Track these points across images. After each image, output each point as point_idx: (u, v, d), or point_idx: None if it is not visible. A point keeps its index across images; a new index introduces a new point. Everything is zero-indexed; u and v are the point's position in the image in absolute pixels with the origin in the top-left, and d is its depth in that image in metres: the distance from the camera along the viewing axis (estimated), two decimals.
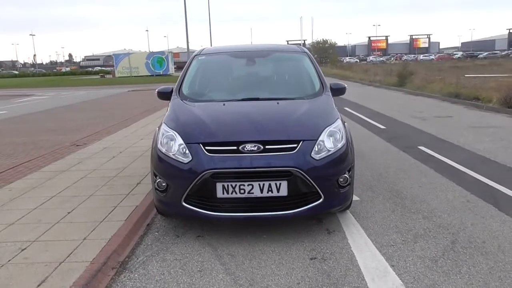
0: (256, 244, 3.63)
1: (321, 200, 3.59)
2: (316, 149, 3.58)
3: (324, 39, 63.40)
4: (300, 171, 3.47)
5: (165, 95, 4.81)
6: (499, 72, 27.49)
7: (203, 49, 5.42)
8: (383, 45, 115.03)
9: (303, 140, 3.59)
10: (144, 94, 22.27)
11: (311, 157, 3.54)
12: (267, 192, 3.46)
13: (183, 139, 3.68)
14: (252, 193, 3.46)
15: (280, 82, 4.91)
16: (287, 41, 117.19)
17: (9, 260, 3.30)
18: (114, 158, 6.92)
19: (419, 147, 7.38)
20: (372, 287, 2.91)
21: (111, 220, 4.14)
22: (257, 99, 4.33)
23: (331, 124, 3.83)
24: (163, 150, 3.75)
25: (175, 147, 3.69)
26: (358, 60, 69.20)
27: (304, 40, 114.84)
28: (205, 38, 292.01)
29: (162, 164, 3.74)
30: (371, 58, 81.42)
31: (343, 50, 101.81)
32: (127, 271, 3.23)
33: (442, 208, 4.39)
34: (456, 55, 78.66)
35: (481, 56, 71.34)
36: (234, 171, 3.46)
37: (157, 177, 3.78)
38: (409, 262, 3.25)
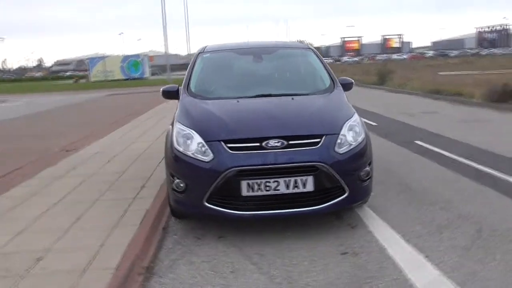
0: (282, 242, 3.55)
1: (345, 194, 3.54)
2: (339, 143, 3.54)
3: (300, 40, 63.76)
4: (326, 165, 3.42)
5: (170, 94, 4.69)
6: (471, 70, 28.24)
7: (206, 46, 5.31)
8: (356, 45, 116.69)
9: (326, 135, 3.53)
10: (123, 98, 21.91)
11: (335, 151, 3.49)
12: (293, 188, 3.39)
13: (202, 137, 3.57)
14: (278, 189, 3.38)
15: (290, 78, 4.86)
16: None
17: (28, 271, 3.11)
18: (110, 163, 6.71)
19: (416, 141, 7.45)
20: (413, 279, 2.87)
21: (125, 225, 3.98)
22: (270, 95, 4.25)
23: (350, 118, 3.80)
24: (181, 149, 3.63)
25: (193, 145, 3.58)
26: (333, 61, 69.97)
27: None
28: (180, 41, 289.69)
29: (180, 164, 3.62)
30: (345, 58, 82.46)
31: (318, 51, 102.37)
32: (155, 276, 3.10)
33: (456, 199, 4.42)
34: (427, 54, 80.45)
35: (452, 54, 73.21)
36: (259, 168, 3.37)
37: (175, 178, 3.66)
38: (441, 252, 3.23)
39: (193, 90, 4.43)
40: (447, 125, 9.06)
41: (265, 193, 3.39)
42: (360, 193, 3.66)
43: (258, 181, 3.37)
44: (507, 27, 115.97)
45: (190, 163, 3.54)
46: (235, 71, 4.93)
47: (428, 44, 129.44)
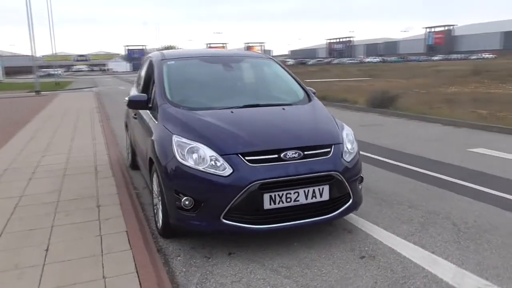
0: (296, 252, 3.57)
1: (350, 201, 3.71)
2: (344, 152, 3.69)
3: (171, 45, 62.98)
4: (339, 174, 3.54)
5: (138, 104, 4.35)
6: (330, 77, 31.33)
7: (163, 53, 5.01)
8: None
9: (334, 144, 3.66)
10: None
11: (343, 159, 3.64)
12: (311, 198, 3.44)
13: (215, 151, 3.39)
14: (298, 200, 3.40)
15: (266, 87, 4.86)
16: (126, 47, 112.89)
17: None
18: (33, 181, 5.86)
19: None
20: (438, 274, 3.15)
21: (113, 251, 3.56)
22: (258, 105, 4.21)
23: (344, 128, 3.99)
24: (189, 164, 3.40)
25: (203, 160, 3.39)
26: None
27: (144, 46, 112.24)
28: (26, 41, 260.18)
29: (189, 180, 3.39)
30: None
31: None
32: None
33: (416, 198, 4.92)
34: (288, 62, 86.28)
35: (310, 63, 79.77)
36: (281, 180, 3.34)
37: (181, 195, 3.41)
38: (441, 248, 3.60)
39: (174, 100, 4.15)
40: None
41: (286, 204, 3.37)
42: (359, 198, 3.86)
43: (280, 193, 3.34)
44: (352, 39, 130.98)
45: (203, 178, 3.33)
46: (210, 80, 4.75)
47: (287, 52, 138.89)
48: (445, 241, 3.73)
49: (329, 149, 3.60)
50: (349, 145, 3.80)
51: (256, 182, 3.27)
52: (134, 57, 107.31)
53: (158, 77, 4.44)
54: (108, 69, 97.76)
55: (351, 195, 3.69)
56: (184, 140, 3.54)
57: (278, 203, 3.34)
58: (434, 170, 6.08)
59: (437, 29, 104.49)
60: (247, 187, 3.26)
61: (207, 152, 3.41)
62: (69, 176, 6.01)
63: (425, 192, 5.12)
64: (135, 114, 5.06)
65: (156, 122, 4.03)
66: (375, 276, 3.16)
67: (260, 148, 3.42)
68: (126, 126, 6.67)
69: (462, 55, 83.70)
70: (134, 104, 4.39)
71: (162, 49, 61.72)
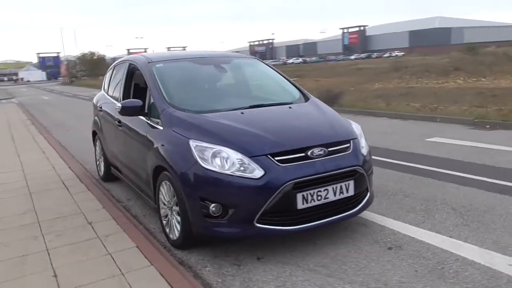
0: (323, 250, 3.55)
1: (368, 194, 3.77)
2: (361, 146, 3.75)
3: (91, 51, 60.03)
4: (361, 168, 3.59)
5: (133, 111, 4.09)
6: None
7: (146, 56, 4.75)
8: None
9: (352, 139, 3.70)
10: None
11: (362, 154, 3.69)
12: (339, 194, 3.45)
13: (242, 153, 3.27)
14: (328, 198, 3.39)
15: (262, 86, 4.78)
16: (39, 54, 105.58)
17: None
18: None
19: None
20: (468, 257, 3.29)
21: (133, 269, 3.30)
22: (262, 105, 4.13)
23: (351, 123, 4.04)
24: (214, 169, 3.24)
25: (229, 163, 3.25)
26: None
27: (59, 53, 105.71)
28: None
29: (217, 185, 3.23)
30: None
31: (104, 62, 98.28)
32: None
33: (406, 187, 5.12)
34: None
35: None
36: (313, 178, 3.30)
37: (208, 202, 3.25)
38: (455, 232, 3.77)
39: (173, 103, 3.94)
40: None
41: (317, 203, 3.34)
42: (372, 192, 3.93)
43: (311, 191, 3.30)
44: (273, 40, 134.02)
45: (232, 182, 3.20)
46: (206, 81, 4.57)
47: None
48: (455, 225, 3.92)
49: (348, 145, 3.63)
50: (362, 140, 3.86)
51: (289, 182, 3.20)
52: (49, 65, 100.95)
53: (151, 81, 4.19)
54: (20, 79, 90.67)
55: (369, 188, 3.75)
56: (204, 144, 3.36)
57: (310, 202, 3.30)
58: (407, 160, 6.38)
59: (351, 30, 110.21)
60: (281, 187, 3.18)
61: (232, 155, 3.27)
62: (36, 193, 5.49)
63: (411, 181, 5.34)
64: (119, 122, 4.73)
65: (161, 128, 3.80)
66: (412, 264, 3.23)
67: (287, 148, 3.35)
68: (94, 136, 6.22)
69: (376, 53, 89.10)
70: (128, 110, 4.10)
71: (80, 56, 58.24)
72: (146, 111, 4.12)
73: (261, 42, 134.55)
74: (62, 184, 5.89)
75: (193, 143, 3.40)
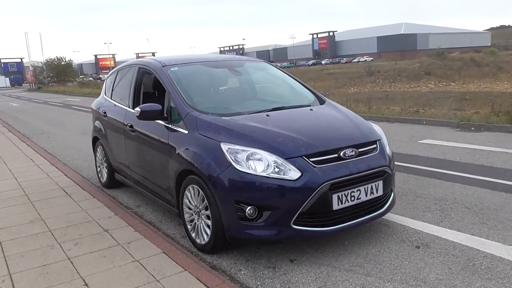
0: (354, 250, 3.59)
1: (392, 194, 3.85)
2: (386, 146, 3.82)
3: (59, 57, 58.39)
4: (389, 168, 3.66)
5: (152, 115, 4.04)
6: None
7: (158, 60, 4.69)
8: (111, 63, 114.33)
9: (378, 140, 3.76)
10: None
11: (387, 154, 3.76)
12: (370, 195, 3.50)
13: (277, 155, 3.28)
14: (360, 198, 3.43)
15: (278, 89, 4.79)
16: (1, 60, 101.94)
17: None
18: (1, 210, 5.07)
19: None
20: (494, 253, 3.40)
21: (168, 275, 3.25)
22: (283, 107, 4.15)
23: (372, 124, 4.12)
24: (250, 171, 3.24)
25: (264, 165, 3.26)
26: (92, 79, 66.80)
27: (21, 58, 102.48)
28: None
29: (253, 188, 3.23)
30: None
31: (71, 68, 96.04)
32: None
33: (414, 188, 5.24)
34: None
35: None
36: (347, 179, 3.35)
37: (244, 205, 3.24)
38: (475, 229, 3.89)
39: (196, 107, 3.91)
40: None
41: (350, 203, 3.38)
42: (395, 192, 4.01)
43: (346, 192, 3.34)
44: (243, 46, 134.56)
45: (269, 184, 3.20)
46: (223, 84, 4.55)
47: None
48: (473, 223, 4.04)
49: (375, 146, 3.69)
50: (385, 140, 3.93)
51: (326, 183, 3.23)
52: (12, 71, 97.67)
53: (169, 85, 4.14)
54: None
55: (393, 188, 3.82)
56: (237, 147, 3.35)
57: (344, 203, 3.34)
58: (407, 161, 6.54)
59: (320, 35, 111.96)
60: (318, 189, 3.20)
61: (267, 157, 3.27)
62: (38, 202, 5.31)
63: (418, 182, 5.47)
64: (131, 127, 4.64)
65: (185, 132, 3.76)
66: (444, 262, 3.31)
67: (321, 149, 3.38)
68: (95, 142, 6.07)
69: (345, 58, 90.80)
70: (147, 114, 4.04)
71: (47, 62, 56.46)
72: (165, 115, 4.06)
73: (231, 48, 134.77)
74: (63, 191, 5.72)
75: (224, 146, 3.38)
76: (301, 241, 3.67)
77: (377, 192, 3.54)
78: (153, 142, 4.24)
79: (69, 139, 10.90)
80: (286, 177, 3.20)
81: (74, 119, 16.28)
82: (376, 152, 3.66)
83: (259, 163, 3.27)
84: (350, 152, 3.45)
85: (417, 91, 23.42)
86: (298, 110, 4.11)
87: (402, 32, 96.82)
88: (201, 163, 3.48)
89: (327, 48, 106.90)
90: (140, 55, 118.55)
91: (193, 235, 3.76)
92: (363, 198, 3.45)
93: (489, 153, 6.91)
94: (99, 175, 6.10)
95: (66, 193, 5.64)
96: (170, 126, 3.99)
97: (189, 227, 3.82)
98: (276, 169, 3.23)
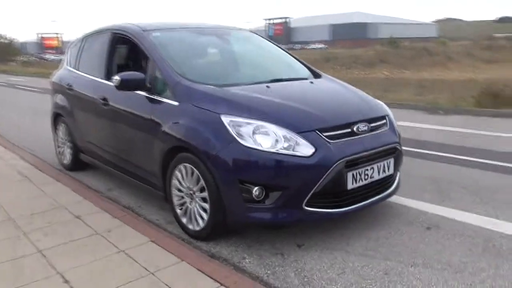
0: (363, 234, 3.32)
1: (399, 173, 3.61)
2: (394, 122, 3.56)
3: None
4: (399, 145, 3.40)
5: (133, 84, 3.55)
6: None
7: (138, 24, 4.15)
8: (56, 43, 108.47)
9: (387, 115, 3.49)
10: None
11: (396, 130, 3.51)
12: (382, 173, 3.23)
13: (288, 128, 2.91)
14: (373, 177, 3.15)
15: (272, 60, 4.39)
16: None
17: None
18: None
19: None
20: (508, 232, 3.24)
21: (163, 267, 2.83)
22: (281, 80, 3.78)
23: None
24: (257, 147, 2.85)
25: (272, 140, 2.88)
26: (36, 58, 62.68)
27: None
28: None
29: (261, 166, 2.85)
30: (52, 57, 75.20)
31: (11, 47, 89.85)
32: None
33: (405, 168, 4.97)
34: None
35: None
36: (362, 156, 3.04)
37: (251, 185, 2.86)
38: (479, 208, 3.73)
39: (186, 76, 3.46)
40: None
41: (364, 182, 3.09)
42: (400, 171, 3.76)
43: (360, 170, 3.04)
44: None
45: (279, 161, 2.83)
46: (213, 53, 4.09)
47: None
48: (476, 203, 3.89)
49: (385, 121, 3.42)
50: (392, 116, 3.67)
51: (342, 160, 2.91)
52: None
53: (153, 51, 3.64)
54: None
55: (399, 167, 3.58)
56: (240, 119, 2.95)
57: (358, 182, 3.04)
58: None
59: (275, 21, 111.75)
60: (334, 166, 2.87)
61: (276, 131, 2.90)
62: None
63: (407, 163, 5.29)
64: (105, 100, 4.10)
65: (175, 104, 3.30)
66: (461, 243, 3.11)
67: (334, 123, 3.05)
68: (56, 119, 5.42)
69: (300, 45, 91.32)
70: (128, 84, 3.54)
71: None
72: (148, 85, 3.58)
73: None
74: (20, 175, 5.07)
75: (226, 119, 2.96)
76: (306, 224, 3.34)
77: (388, 171, 3.28)
78: (132, 117, 3.74)
79: (20, 120, 9.95)
80: (298, 153, 2.85)
81: (22, 99, 15.06)
82: (387, 128, 3.38)
83: (267, 138, 2.89)
84: (363, 127, 3.14)
85: (375, 78, 23.72)
86: (299, 83, 3.76)
87: (354, 21, 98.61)
88: (197, 138, 3.05)
89: (282, 34, 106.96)
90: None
91: (184, 220, 3.34)
92: (376, 176, 3.17)
93: (466, 134, 6.91)
94: (61, 157, 5.47)
95: (25, 177, 4.99)
96: (154, 97, 3.51)
97: (178, 211, 3.38)
98: (286, 145, 2.86)
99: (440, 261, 2.85)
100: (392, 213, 3.69)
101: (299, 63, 4.35)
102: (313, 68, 4.30)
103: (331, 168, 2.86)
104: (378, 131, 3.27)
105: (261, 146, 2.85)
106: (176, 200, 3.39)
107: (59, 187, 4.57)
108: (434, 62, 33.20)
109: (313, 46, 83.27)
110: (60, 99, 5.18)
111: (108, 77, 4.19)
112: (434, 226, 3.40)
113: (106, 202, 4.09)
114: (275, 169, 2.83)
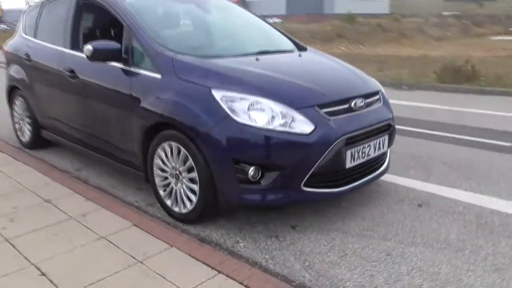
0: (357, 213, 3.23)
1: (389, 151, 3.53)
2: (387, 98, 3.46)
3: None
4: (393, 121, 3.31)
5: (106, 55, 3.22)
6: None
7: None
8: None
9: (380, 90, 3.37)
10: None
11: (389, 106, 3.41)
12: (377, 150, 3.12)
13: (285, 104, 2.72)
14: (369, 154, 3.04)
15: (256, 32, 4.12)
16: None
17: None
18: None
19: None
20: (500, 209, 3.25)
21: (152, 254, 2.61)
22: (268, 52, 3.55)
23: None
24: (253, 124, 2.65)
25: (268, 116, 2.69)
26: None
27: None
28: None
29: (257, 144, 2.66)
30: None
31: None
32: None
33: None
34: None
35: None
36: (361, 133, 2.91)
37: (245, 165, 2.67)
38: (464, 185, 3.74)
39: (168, 47, 3.16)
40: None
41: (361, 160, 2.97)
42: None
43: (358, 147, 2.92)
44: None
45: (277, 139, 2.65)
46: (193, 22, 3.78)
47: None
48: (459, 179, 3.90)
49: (378, 96, 3.29)
50: (384, 92, 3.56)
51: (342, 137, 2.76)
52: None
53: (128, 18, 3.30)
54: None
55: (392, 144, 3.49)
56: (234, 94, 2.72)
57: (356, 160, 2.92)
58: None
59: None
60: (334, 144, 2.72)
61: (273, 106, 2.70)
62: None
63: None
64: (72, 73, 3.72)
65: (158, 76, 3.01)
66: (456, 221, 3.09)
67: (332, 99, 2.89)
68: (12, 93, 4.92)
69: None
70: (102, 54, 3.19)
71: None
72: (124, 56, 3.25)
73: None
74: None
75: (217, 93, 2.73)
76: (294, 206, 3.20)
77: (383, 148, 3.18)
78: (105, 91, 3.41)
79: None
80: (297, 130, 2.67)
81: None
82: (380, 104, 3.27)
83: (262, 114, 2.68)
84: (360, 102, 3.00)
85: (333, 53, 23.51)
86: (287, 56, 3.55)
87: None
88: (184, 115, 2.80)
89: None
90: (30, 3, 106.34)
91: (169, 202, 3.10)
92: (372, 154, 3.06)
93: (434, 110, 7.01)
94: (19, 134, 5.00)
95: None
96: (131, 69, 3.19)
97: (162, 193, 3.14)
98: (284, 121, 2.68)
99: (438, 240, 2.81)
100: (380, 191, 3.62)
101: (281, 34, 4.13)
102: (296, 40, 4.10)
103: (332, 146, 2.71)
104: (373, 107, 3.14)
105: (257, 123, 2.64)
106: (158, 181, 3.14)
107: (21, 167, 4.18)
108: (389, 38, 33.79)
109: (269, 20, 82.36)
110: (15, 70, 4.68)
111: (75, 46, 3.80)
112: (425, 204, 3.37)
113: (77, 183, 3.76)
114: (272, 148, 2.65)
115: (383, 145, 3.17)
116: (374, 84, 3.39)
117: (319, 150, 2.69)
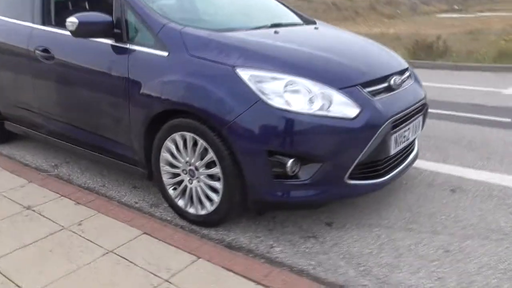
0: (392, 204, 2.93)
1: None
2: (417, 74, 3.15)
3: None
4: (426, 100, 3.00)
5: (95, 29, 2.69)
6: None
7: None
8: None
9: (408, 67, 3.04)
10: None
11: (421, 83, 3.09)
12: (414, 133, 2.81)
13: (326, 84, 2.32)
14: (408, 138, 2.72)
15: (258, 3, 3.64)
16: None
17: None
18: None
19: None
20: None
21: (178, 269, 2.18)
22: (280, 25, 3.11)
23: None
24: (291, 108, 2.24)
25: (309, 99, 2.28)
26: None
27: None
28: None
29: (296, 132, 2.25)
30: None
31: None
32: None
33: None
34: None
35: None
36: (404, 114, 2.57)
37: (282, 157, 2.26)
38: (486, 166, 3.50)
39: (175, 19, 2.66)
40: None
41: (402, 145, 2.64)
42: None
43: (401, 131, 2.58)
44: None
45: (319, 126, 2.25)
46: None
47: None
48: (479, 159, 3.68)
49: (409, 73, 2.96)
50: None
51: (389, 120, 2.40)
52: None
53: None
54: None
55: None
56: (264, 73, 2.29)
57: (399, 144, 2.58)
58: None
59: None
60: (381, 128, 2.36)
61: (312, 87, 2.29)
62: None
63: None
64: (47, 52, 3.12)
65: (164, 54, 2.52)
66: (498, 206, 2.85)
67: (373, 76, 2.51)
68: None
69: None
70: (89, 28, 2.64)
71: None
72: (115, 30, 2.71)
73: None
74: None
75: (244, 73, 2.28)
76: (339, 200, 2.83)
77: (419, 130, 2.87)
78: (91, 74, 2.86)
79: None
80: (340, 114, 2.28)
81: None
82: (413, 81, 2.93)
83: (299, 97, 2.27)
84: (398, 80, 2.65)
85: None
86: (303, 29, 3.14)
87: None
88: (203, 100, 2.33)
89: None
90: None
91: (181, 203, 2.65)
92: (410, 138, 2.74)
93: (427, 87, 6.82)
94: None
95: None
96: (128, 46, 2.66)
97: (171, 192, 2.68)
98: (324, 104, 2.27)
99: (492, 230, 2.55)
100: (405, 178, 3.32)
101: (284, 6, 3.70)
102: (299, 12, 3.69)
103: (379, 131, 2.35)
104: (408, 85, 2.80)
105: (293, 107, 2.22)
106: (167, 179, 2.67)
107: None
108: (344, 17, 33.91)
109: None
110: None
111: (48, 21, 3.19)
112: (457, 188, 3.11)
113: (60, 184, 3.21)
114: (314, 136, 2.25)
115: (419, 127, 2.85)
116: (402, 60, 3.05)
117: (365, 136, 2.32)
